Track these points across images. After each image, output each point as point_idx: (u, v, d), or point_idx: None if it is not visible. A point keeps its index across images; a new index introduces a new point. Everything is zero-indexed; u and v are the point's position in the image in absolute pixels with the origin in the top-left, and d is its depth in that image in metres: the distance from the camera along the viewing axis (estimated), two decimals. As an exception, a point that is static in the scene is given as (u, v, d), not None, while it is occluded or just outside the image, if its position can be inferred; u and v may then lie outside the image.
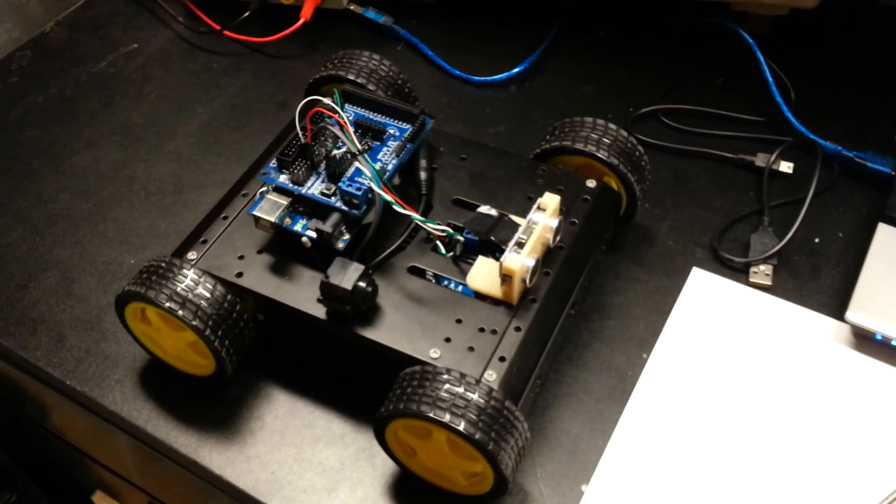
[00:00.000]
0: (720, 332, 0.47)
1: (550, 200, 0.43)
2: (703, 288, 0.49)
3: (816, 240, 0.52)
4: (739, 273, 0.50)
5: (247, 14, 0.65)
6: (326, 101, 0.45)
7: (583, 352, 0.47)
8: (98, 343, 0.49)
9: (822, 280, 0.50)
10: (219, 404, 0.46)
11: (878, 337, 0.45)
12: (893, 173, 0.52)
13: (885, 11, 0.65)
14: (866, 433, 0.43)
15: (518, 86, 0.63)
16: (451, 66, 0.63)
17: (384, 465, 0.43)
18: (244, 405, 0.46)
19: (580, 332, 0.48)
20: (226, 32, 0.66)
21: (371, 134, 0.47)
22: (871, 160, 0.54)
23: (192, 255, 0.45)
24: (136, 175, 0.58)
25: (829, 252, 0.51)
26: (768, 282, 0.49)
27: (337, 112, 0.44)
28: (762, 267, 0.50)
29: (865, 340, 0.46)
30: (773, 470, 0.42)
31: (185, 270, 0.42)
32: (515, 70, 0.63)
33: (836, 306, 0.48)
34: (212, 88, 0.63)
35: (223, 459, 0.44)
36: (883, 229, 0.49)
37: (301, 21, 0.64)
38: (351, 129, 0.44)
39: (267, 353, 0.47)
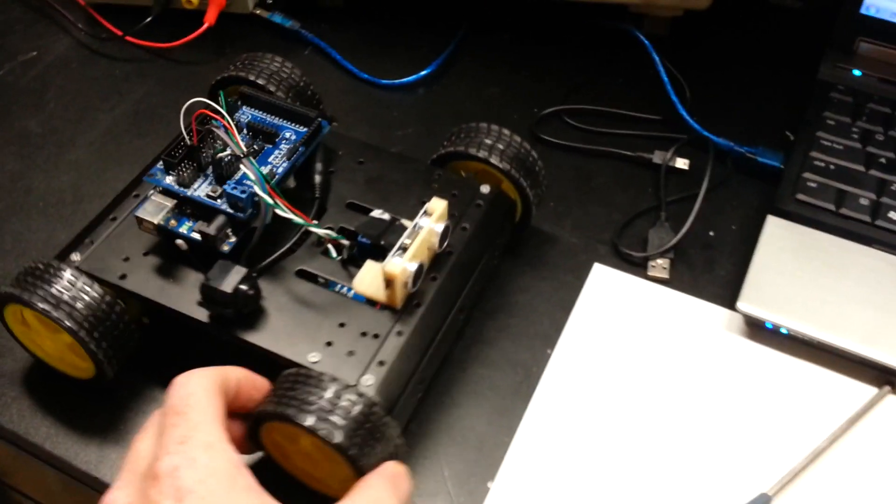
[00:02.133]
0: (620, 324, 0.49)
1: (437, 205, 0.43)
2: (603, 283, 0.51)
3: (711, 233, 0.53)
4: (639, 267, 0.52)
5: (149, 19, 0.64)
6: (211, 103, 0.44)
7: (488, 349, 0.48)
8: (-6, 361, 0.48)
9: (717, 272, 0.51)
10: (118, 417, 0.45)
11: (769, 325, 0.47)
12: (782, 167, 0.54)
13: (775, 11, 0.68)
14: (758, 417, 0.45)
15: (426, 89, 0.63)
16: (359, 70, 0.64)
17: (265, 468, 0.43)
18: (141, 414, 0.45)
19: (486, 330, 0.49)
20: (128, 38, 0.64)
21: (262, 136, 0.47)
22: (761, 155, 0.56)
23: (75, 257, 0.44)
24: (34, 186, 0.56)
25: (723, 244, 0.53)
26: (666, 275, 0.51)
27: (222, 114, 0.44)
28: (660, 261, 0.51)
29: (756, 329, 0.48)
30: (673, 458, 0.44)
31: (61, 272, 0.42)
32: (422, 73, 0.63)
33: (730, 297, 0.49)
34: (113, 95, 0.62)
35: (126, 473, 0.43)
36: (772, 221, 0.51)
37: (205, 26, 0.63)
38: (236, 132, 0.44)
39: (158, 357, 0.46)
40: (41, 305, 0.41)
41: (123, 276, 0.44)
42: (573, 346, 0.48)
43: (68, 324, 0.41)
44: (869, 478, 0.43)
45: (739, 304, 0.47)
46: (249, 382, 0.39)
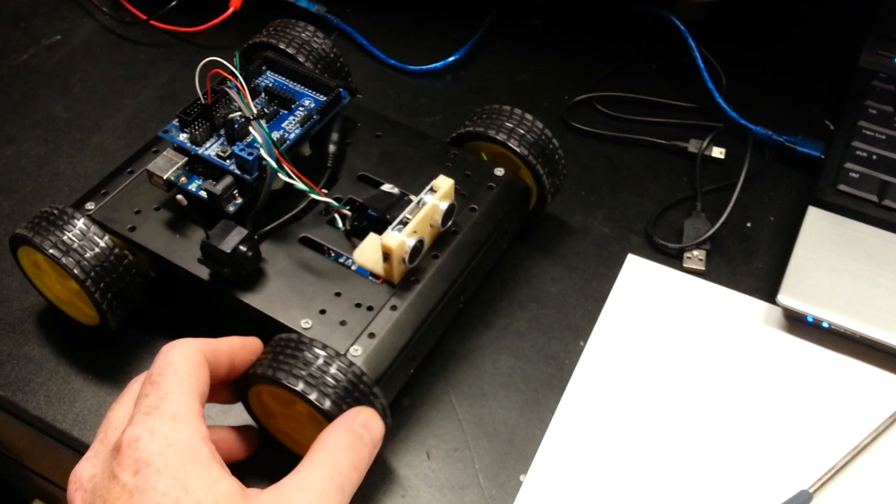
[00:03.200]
0: (655, 317, 0.48)
1: (443, 182, 0.43)
2: (637, 274, 0.49)
3: (748, 224, 0.52)
4: (674, 259, 0.50)
5: (174, 3, 0.63)
6: (225, 62, 0.44)
7: (521, 341, 0.47)
8: (20, 346, 0.47)
9: (754, 264, 0.50)
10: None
11: (809, 319, 0.46)
12: (822, 157, 0.53)
13: (814, -2, 0.66)
14: (798, 413, 0.44)
15: (454, 75, 0.62)
16: (386, 56, 0.62)
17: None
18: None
19: (518, 322, 0.48)
20: (153, 22, 0.64)
21: (278, 102, 0.47)
22: (800, 144, 0.54)
23: (89, 206, 0.45)
24: (60, 171, 0.55)
25: (761, 236, 0.52)
26: (702, 267, 0.50)
27: (235, 75, 0.43)
28: (695, 252, 0.50)
29: (797, 323, 0.47)
30: (710, 453, 0.43)
31: (74, 219, 0.43)
32: (451, 59, 0.62)
33: (768, 289, 0.48)
34: (139, 80, 0.61)
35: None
36: (813, 212, 0.49)
37: (230, 10, 0.62)
38: (248, 94, 0.43)
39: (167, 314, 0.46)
40: (51, 251, 0.42)
41: (133, 228, 0.44)
42: (606, 338, 0.47)
43: (76, 272, 0.41)
44: (913, 477, 0.42)
45: (780, 298, 0.46)
46: (244, 349, 0.39)
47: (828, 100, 0.58)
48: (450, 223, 0.44)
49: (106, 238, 0.43)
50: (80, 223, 0.42)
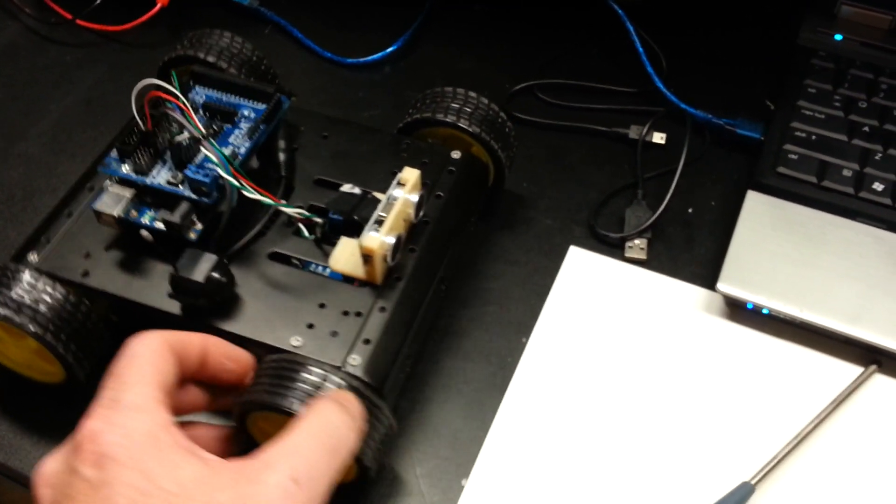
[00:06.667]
0: (597, 309, 0.47)
1: (410, 175, 0.42)
2: (579, 266, 0.49)
3: (690, 210, 0.51)
4: (616, 248, 0.50)
5: (99, 1, 0.61)
6: (164, 84, 0.42)
7: (462, 340, 0.46)
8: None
9: (696, 250, 0.50)
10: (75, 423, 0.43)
11: (749, 306, 0.45)
12: (762, 139, 0.52)
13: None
14: (740, 402, 0.43)
15: (392, 66, 0.61)
16: (323, 49, 0.61)
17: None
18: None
19: (459, 320, 0.47)
20: (78, 21, 0.62)
21: (220, 116, 0.45)
22: (740, 126, 0.53)
23: (32, 257, 0.42)
24: None
25: (702, 222, 0.51)
26: (643, 256, 0.49)
27: (176, 95, 0.41)
28: (637, 241, 0.49)
29: (737, 310, 0.46)
30: (652, 446, 0.42)
31: (19, 274, 0.40)
32: (389, 50, 0.61)
33: (710, 276, 0.48)
34: (64, 83, 0.59)
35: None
36: (752, 196, 0.49)
37: (158, 6, 0.60)
38: (193, 113, 0.41)
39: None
40: (2, 311, 0.39)
41: (86, 274, 0.42)
42: (549, 333, 0.46)
43: (33, 328, 0.39)
44: (856, 461, 0.41)
45: (719, 285, 0.45)
46: (221, 351, 0.38)
47: (770, 81, 0.57)
48: (421, 214, 0.43)
49: (58, 287, 0.40)
50: (27, 276, 0.40)
